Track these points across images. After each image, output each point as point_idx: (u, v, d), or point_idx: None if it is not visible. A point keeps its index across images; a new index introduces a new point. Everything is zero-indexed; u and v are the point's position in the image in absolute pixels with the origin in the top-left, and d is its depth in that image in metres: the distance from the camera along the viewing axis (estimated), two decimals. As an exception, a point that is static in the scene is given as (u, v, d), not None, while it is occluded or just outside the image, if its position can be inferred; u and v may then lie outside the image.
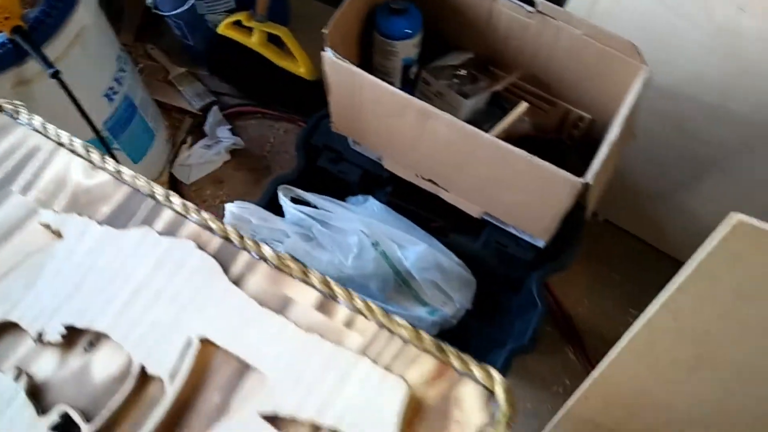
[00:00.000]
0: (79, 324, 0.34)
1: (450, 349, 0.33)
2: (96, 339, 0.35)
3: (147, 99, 1.10)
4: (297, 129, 1.21)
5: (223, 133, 1.19)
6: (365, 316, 0.35)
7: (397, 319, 0.34)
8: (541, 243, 0.89)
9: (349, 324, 0.35)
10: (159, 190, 0.38)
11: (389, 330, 0.34)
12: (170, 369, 0.33)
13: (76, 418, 0.31)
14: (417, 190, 0.92)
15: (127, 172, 0.39)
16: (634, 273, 1.10)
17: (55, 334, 0.34)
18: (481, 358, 1.06)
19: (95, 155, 0.40)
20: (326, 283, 0.35)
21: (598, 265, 1.12)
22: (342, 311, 0.35)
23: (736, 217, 0.53)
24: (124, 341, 0.34)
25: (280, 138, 1.21)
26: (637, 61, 0.72)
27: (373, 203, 1.00)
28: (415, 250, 0.94)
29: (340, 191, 1.02)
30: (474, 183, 0.81)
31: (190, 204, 0.38)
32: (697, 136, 0.85)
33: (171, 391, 0.32)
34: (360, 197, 1.02)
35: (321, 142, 0.99)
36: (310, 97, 1.04)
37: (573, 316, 1.07)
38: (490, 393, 0.33)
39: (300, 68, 1.11)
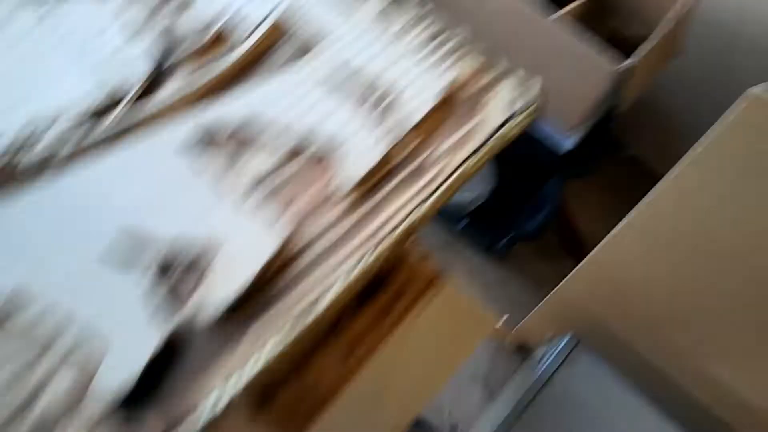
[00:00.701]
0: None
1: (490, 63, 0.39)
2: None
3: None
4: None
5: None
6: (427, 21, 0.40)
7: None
8: (569, 143, 0.93)
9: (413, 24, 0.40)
10: None
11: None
12: (249, 29, 0.39)
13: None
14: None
15: None
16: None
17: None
18: (493, 240, 1.10)
19: None
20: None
21: (616, 198, 1.16)
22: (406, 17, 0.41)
23: (752, 92, 0.57)
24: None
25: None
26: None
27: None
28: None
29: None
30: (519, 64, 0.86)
31: None
32: (736, 71, 0.88)
33: (247, 44, 0.39)
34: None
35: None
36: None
37: (583, 236, 1.12)
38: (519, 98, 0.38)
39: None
